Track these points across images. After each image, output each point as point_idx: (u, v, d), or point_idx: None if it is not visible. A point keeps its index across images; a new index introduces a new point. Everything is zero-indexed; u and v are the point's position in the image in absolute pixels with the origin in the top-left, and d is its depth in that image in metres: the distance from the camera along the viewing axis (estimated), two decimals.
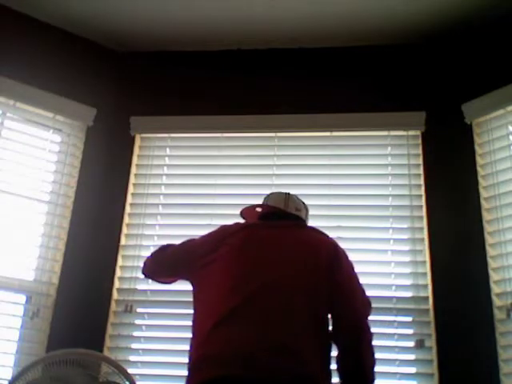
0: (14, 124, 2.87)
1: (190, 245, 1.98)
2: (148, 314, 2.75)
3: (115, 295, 2.77)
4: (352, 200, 2.84)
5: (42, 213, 2.80)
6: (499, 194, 2.63)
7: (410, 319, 2.61)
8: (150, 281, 2.77)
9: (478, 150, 2.75)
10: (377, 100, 2.93)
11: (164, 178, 3.01)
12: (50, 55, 2.98)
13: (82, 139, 2.98)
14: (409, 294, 2.65)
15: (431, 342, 2.53)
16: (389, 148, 2.92)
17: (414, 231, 2.74)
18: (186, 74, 3.13)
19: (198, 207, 2.90)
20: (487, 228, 2.62)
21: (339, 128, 2.94)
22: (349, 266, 1.88)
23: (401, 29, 2.93)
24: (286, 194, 2.08)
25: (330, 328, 1.79)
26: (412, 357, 2.56)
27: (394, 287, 2.66)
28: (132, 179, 2.98)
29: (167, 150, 3.05)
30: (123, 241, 2.87)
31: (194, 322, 1.81)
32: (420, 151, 2.85)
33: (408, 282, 2.68)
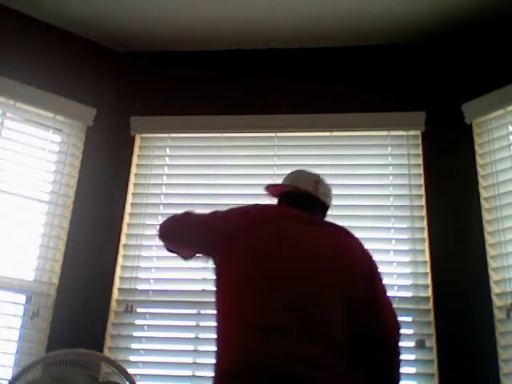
0: (14, 124, 2.87)
1: (220, 216, 1.79)
2: (148, 313, 2.75)
3: (116, 295, 2.77)
4: (353, 200, 2.84)
5: (42, 213, 2.80)
6: (499, 194, 2.63)
7: (410, 319, 2.61)
8: (151, 281, 2.78)
9: (478, 150, 2.75)
10: (377, 100, 2.93)
11: (164, 177, 3.01)
12: (50, 55, 2.98)
13: (82, 139, 2.98)
14: (409, 294, 2.65)
15: (431, 343, 2.54)
16: (389, 148, 2.92)
17: (414, 231, 2.74)
18: (186, 74, 3.13)
19: (198, 207, 2.88)
20: (487, 228, 2.62)
21: (339, 128, 2.94)
22: (382, 279, 1.75)
23: (401, 29, 2.93)
24: (315, 175, 1.93)
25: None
26: (412, 357, 2.56)
27: (395, 287, 2.66)
28: (132, 179, 2.98)
29: (167, 150, 3.05)
30: (123, 240, 2.87)
31: (220, 304, 1.63)
32: (420, 151, 2.85)
33: (408, 282, 2.68)
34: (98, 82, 3.09)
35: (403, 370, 2.49)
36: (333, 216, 2.81)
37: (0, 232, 2.68)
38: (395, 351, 1.68)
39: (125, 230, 2.89)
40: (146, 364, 2.67)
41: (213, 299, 1.69)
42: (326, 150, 2.95)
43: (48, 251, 2.76)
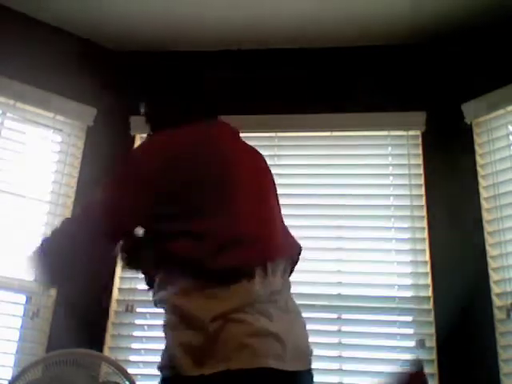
0: (14, 124, 2.86)
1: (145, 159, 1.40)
2: (149, 313, 2.74)
3: (116, 295, 2.77)
4: (353, 200, 2.84)
5: (42, 213, 2.80)
6: (499, 194, 2.63)
7: (410, 319, 2.61)
8: None
9: (478, 150, 2.75)
10: (377, 100, 2.92)
11: None
12: (49, 55, 2.97)
13: (82, 139, 2.98)
14: (409, 293, 2.65)
15: (431, 342, 2.54)
16: (389, 148, 2.92)
17: (414, 231, 2.74)
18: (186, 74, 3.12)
19: None
20: (487, 228, 2.62)
21: (339, 128, 2.94)
22: None
23: (400, 29, 2.93)
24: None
25: None
26: (413, 357, 2.56)
27: (396, 287, 2.66)
28: None
29: None
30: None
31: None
32: (420, 151, 2.85)
33: (409, 281, 2.68)
34: (97, 82, 3.08)
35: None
36: (333, 216, 2.84)
37: (0, 232, 2.68)
38: None
39: None
40: (146, 364, 2.66)
41: None
42: (326, 149, 2.95)
43: None
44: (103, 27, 3.04)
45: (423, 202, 2.76)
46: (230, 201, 1.36)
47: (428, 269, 2.65)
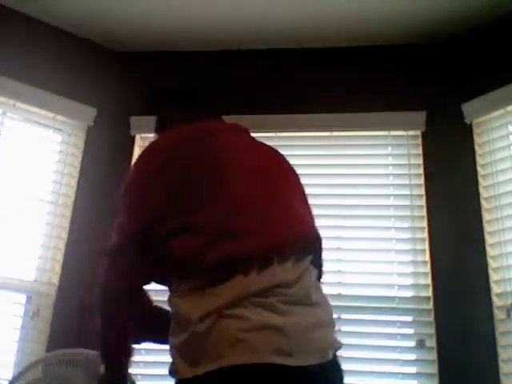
0: (14, 124, 2.86)
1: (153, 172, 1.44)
2: None
3: None
4: (353, 200, 2.84)
5: (43, 213, 2.80)
6: (499, 194, 2.63)
7: (410, 319, 2.61)
8: None
9: (478, 150, 2.75)
10: (377, 100, 2.93)
11: None
12: (50, 55, 2.97)
13: (83, 139, 2.98)
14: (410, 293, 2.65)
15: (432, 342, 2.54)
16: (389, 148, 2.92)
17: (414, 231, 2.74)
18: (186, 74, 3.12)
19: None
20: (487, 228, 2.62)
21: (339, 128, 2.94)
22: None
23: (400, 29, 2.93)
24: None
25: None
26: (413, 357, 2.56)
27: (396, 287, 2.66)
28: None
29: None
30: None
31: None
32: (420, 151, 2.85)
33: (409, 281, 2.68)
34: (98, 82, 3.09)
35: (403, 369, 2.52)
36: (333, 216, 2.84)
37: (0, 232, 2.68)
38: None
39: None
40: (147, 364, 2.66)
41: None
42: (325, 149, 2.95)
43: (48, 251, 2.76)
44: (103, 27, 3.04)
45: (423, 202, 2.76)
46: (222, 195, 1.34)
47: (428, 269, 2.65)
